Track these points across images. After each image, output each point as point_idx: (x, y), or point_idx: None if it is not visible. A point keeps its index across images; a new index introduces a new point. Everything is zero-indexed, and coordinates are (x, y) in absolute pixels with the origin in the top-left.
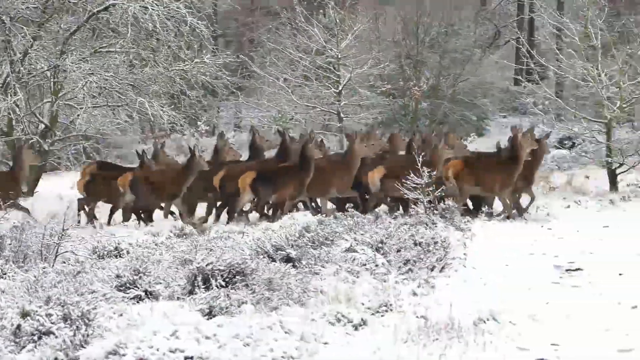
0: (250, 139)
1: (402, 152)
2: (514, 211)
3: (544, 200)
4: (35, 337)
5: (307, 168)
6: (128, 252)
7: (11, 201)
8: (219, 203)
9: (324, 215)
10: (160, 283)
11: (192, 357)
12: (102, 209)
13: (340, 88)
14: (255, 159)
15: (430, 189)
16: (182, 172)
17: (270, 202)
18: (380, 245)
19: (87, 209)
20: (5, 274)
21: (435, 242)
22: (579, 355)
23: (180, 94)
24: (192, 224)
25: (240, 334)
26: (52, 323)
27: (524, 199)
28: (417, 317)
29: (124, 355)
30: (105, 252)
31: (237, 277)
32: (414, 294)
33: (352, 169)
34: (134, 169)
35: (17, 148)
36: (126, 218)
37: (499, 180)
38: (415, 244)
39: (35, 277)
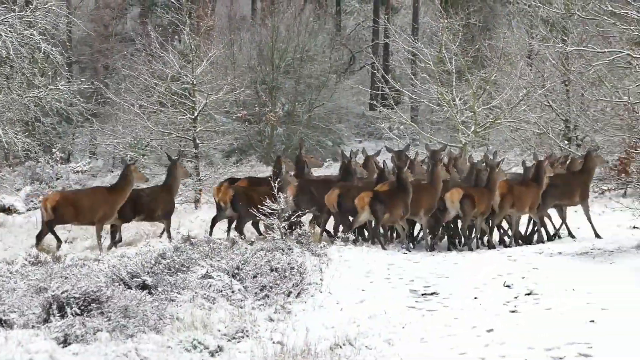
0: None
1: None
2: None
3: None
4: None
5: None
6: None
7: None
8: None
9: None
10: (15, 311)
11: None
12: None
13: (195, 114)
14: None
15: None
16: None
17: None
18: (236, 271)
19: None
20: None
21: (292, 268)
22: None
23: (35, 120)
24: (45, 250)
25: None
26: None
27: None
28: (273, 342)
29: None
30: None
31: (92, 304)
32: (271, 319)
33: None
34: None
35: None
36: None
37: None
38: (272, 270)
39: None
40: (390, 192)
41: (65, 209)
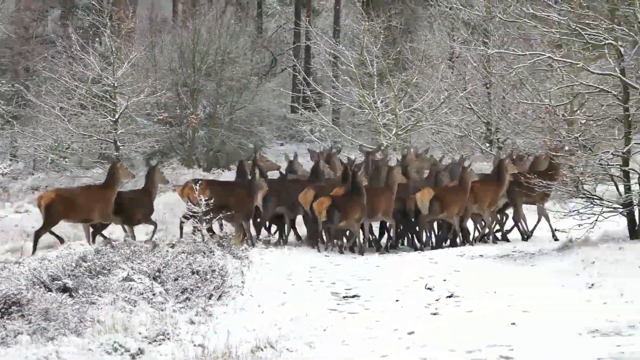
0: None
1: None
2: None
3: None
4: None
5: None
6: None
7: None
8: None
9: None
10: None
11: None
12: None
13: (116, 116)
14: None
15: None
16: None
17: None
18: (157, 274)
19: None
20: None
21: (213, 271)
22: None
23: None
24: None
25: None
26: None
27: None
28: (194, 345)
29: None
30: None
31: (12, 307)
32: (192, 322)
33: None
34: None
35: None
36: None
37: None
38: (193, 273)
39: None
40: (346, 197)
41: (60, 207)
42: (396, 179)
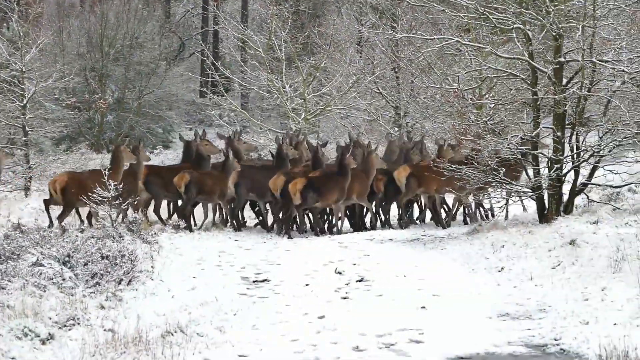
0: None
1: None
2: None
3: None
4: None
5: None
6: None
7: None
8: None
9: None
10: None
11: None
12: None
13: (25, 101)
14: None
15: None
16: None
17: None
18: (67, 259)
19: None
20: None
21: (123, 255)
22: None
23: None
24: None
25: None
26: None
27: None
28: (105, 330)
29: None
30: None
31: None
32: (102, 307)
33: None
34: None
35: None
36: None
37: None
38: (103, 257)
39: None
40: (324, 178)
41: (74, 190)
42: (374, 162)
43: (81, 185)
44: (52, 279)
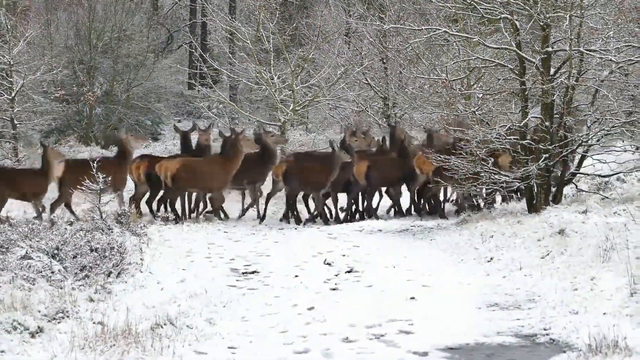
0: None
1: None
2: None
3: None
4: None
5: None
6: None
7: None
8: None
9: None
10: None
11: None
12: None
13: (13, 94)
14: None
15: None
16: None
17: None
18: (56, 251)
19: None
20: None
21: (112, 248)
22: (256, 358)
23: None
24: None
25: None
26: None
27: None
28: (94, 323)
29: None
30: None
31: None
32: (91, 300)
33: None
34: None
35: None
36: None
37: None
38: (92, 250)
39: None
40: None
41: (184, 176)
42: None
43: (191, 172)
44: (41, 272)
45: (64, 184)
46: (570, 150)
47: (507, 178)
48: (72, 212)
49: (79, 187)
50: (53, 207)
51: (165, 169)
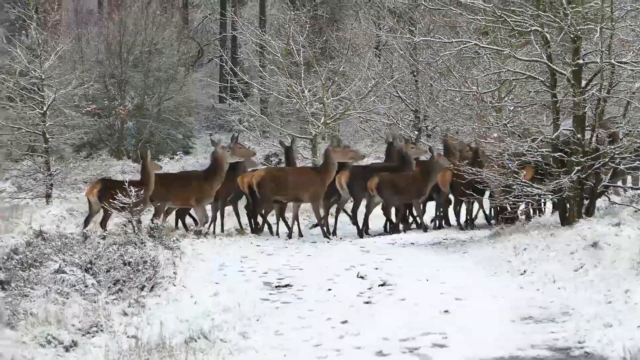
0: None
1: None
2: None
3: None
4: None
5: None
6: None
7: None
8: None
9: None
10: None
11: None
12: None
13: (45, 109)
14: None
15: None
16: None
17: None
18: (89, 265)
19: None
20: None
21: (145, 262)
22: None
23: None
24: None
25: None
26: None
27: None
28: (128, 337)
29: None
30: None
31: None
32: (125, 314)
33: None
34: None
35: None
36: None
37: None
38: (125, 264)
39: None
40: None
41: (271, 185)
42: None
43: (278, 182)
44: (74, 285)
45: (156, 197)
46: (602, 162)
47: (539, 191)
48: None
49: (169, 201)
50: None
51: (250, 179)
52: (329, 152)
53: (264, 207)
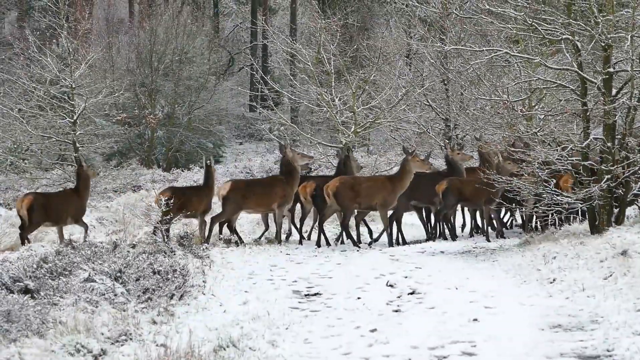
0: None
1: None
2: None
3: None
4: None
5: None
6: None
7: None
8: None
9: None
10: None
11: None
12: None
13: (75, 117)
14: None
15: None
16: None
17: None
18: (119, 274)
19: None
20: None
21: (174, 270)
22: None
23: None
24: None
25: None
26: None
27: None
28: (157, 345)
29: None
30: None
31: None
32: (154, 322)
33: None
34: None
35: None
36: None
37: None
38: (154, 273)
39: None
40: None
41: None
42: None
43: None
44: (104, 294)
45: (228, 202)
46: (632, 171)
47: (569, 199)
48: (235, 232)
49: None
50: (213, 221)
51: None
52: (407, 162)
53: (347, 215)
